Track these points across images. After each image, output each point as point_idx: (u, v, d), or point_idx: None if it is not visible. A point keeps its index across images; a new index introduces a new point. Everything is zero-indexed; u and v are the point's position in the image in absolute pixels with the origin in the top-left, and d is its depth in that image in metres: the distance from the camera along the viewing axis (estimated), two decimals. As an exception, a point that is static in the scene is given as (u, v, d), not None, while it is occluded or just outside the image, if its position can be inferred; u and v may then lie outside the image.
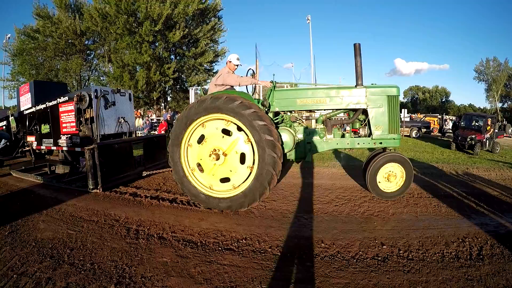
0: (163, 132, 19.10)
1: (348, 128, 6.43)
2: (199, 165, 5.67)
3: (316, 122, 6.30)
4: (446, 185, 7.68)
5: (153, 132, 21.34)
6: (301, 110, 6.22)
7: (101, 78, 30.17)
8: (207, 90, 6.43)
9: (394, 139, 6.03)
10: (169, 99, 33.35)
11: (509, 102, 59.06)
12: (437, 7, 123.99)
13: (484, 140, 15.35)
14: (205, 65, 30.61)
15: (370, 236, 4.54)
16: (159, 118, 25.65)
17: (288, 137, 5.90)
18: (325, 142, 6.08)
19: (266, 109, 5.93)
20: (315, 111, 6.31)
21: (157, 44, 26.33)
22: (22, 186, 7.28)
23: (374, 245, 4.24)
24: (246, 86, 6.32)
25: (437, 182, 8.07)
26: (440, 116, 33.42)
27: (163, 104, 32.33)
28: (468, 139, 15.18)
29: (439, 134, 27.33)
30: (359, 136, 6.18)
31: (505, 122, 36.83)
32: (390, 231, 4.79)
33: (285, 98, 6.07)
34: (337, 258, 3.85)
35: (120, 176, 7.24)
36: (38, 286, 3.06)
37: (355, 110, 6.10)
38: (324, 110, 6.25)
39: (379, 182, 6.07)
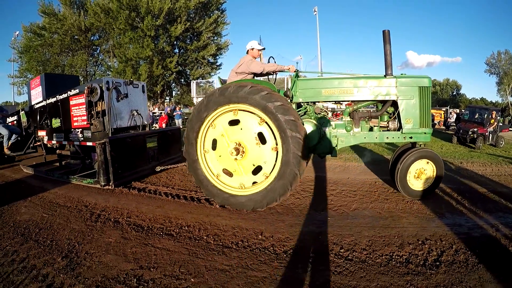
0: (164, 125, 18.82)
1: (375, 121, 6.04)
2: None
3: (343, 114, 5.92)
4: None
5: (154, 125, 21.08)
6: (327, 101, 5.84)
7: (107, 73, 30.35)
8: (225, 80, 6.08)
9: (425, 133, 5.64)
10: (174, 93, 33.35)
11: (521, 96, 57.87)
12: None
13: (486, 133, 14.84)
14: (208, 58, 30.70)
15: (316, 231, 4.41)
16: (162, 111, 25.51)
17: (313, 130, 5.56)
18: (352, 136, 5.71)
19: (289, 100, 5.57)
20: (341, 102, 5.91)
21: (159, 38, 26.29)
22: (16, 177, 7.89)
23: (316, 241, 4.12)
24: (268, 77, 5.98)
25: None
26: (445, 109, 32.74)
27: (167, 98, 32.33)
28: (470, 132, 14.70)
29: (444, 127, 26.75)
30: (388, 130, 5.80)
31: (515, 116, 36.29)
32: (341, 228, 4.56)
33: (310, 88, 5.71)
34: (268, 251, 3.84)
35: (133, 172, 6.97)
36: (5, 256, 3.71)
37: (384, 102, 5.73)
38: (352, 101, 5.85)
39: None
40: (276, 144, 4.95)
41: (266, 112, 4.82)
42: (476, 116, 16.59)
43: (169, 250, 3.84)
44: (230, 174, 5.36)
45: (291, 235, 4.28)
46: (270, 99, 4.78)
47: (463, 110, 18.52)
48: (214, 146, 5.38)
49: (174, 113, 22.40)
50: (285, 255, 3.73)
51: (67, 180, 7.06)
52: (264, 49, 5.87)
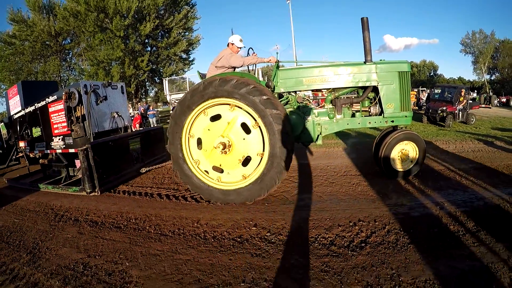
0: (137, 125, 18.60)
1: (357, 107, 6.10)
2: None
3: (324, 102, 5.95)
4: None
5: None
6: (308, 90, 5.85)
7: (80, 77, 29.85)
8: (205, 74, 6.01)
9: (406, 116, 5.76)
10: (151, 93, 33.03)
11: (497, 74, 59.09)
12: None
13: (456, 111, 14.99)
14: (180, 54, 30.48)
15: (248, 217, 4.63)
16: (136, 111, 25.16)
17: (296, 119, 5.58)
18: (335, 123, 5.76)
19: (271, 90, 5.55)
20: (323, 90, 5.93)
21: (129, 38, 25.99)
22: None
23: (245, 225, 4.37)
24: (248, 67, 5.95)
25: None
26: (416, 90, 33.05)
27: (143, 98, 32.04)
28: (439, 111, 14.85)
29: (416, 107, 26.80)
30: (370, 115, 5.88)
31: (490, 94, 37.13)
32: (275, 212, 4.75)
33: (291, 78, 5.71)
34: (199, 237, 4.17)
35: (118, 176, 6.88)
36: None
37: (364, 88, 5.78)
38: (332, 89, 5.87)
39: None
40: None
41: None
42: (445, 95, 16.68)
43: (114, 240, 4.29)
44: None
45: (225, 221, 4.58)
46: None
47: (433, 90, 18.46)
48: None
49: (148, 112, 22.04)
50: (213, 240, 4.04)
51: (52, 190, 6.91)
52: (244, 47, 5.81)
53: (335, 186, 5.77)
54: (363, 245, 3.62)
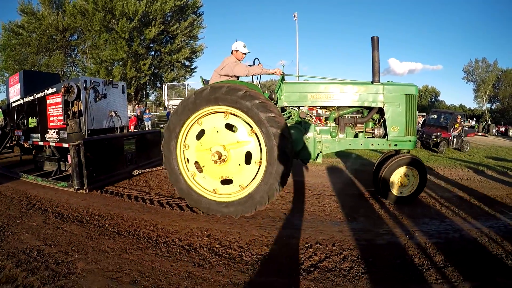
0: (132, 127, 18.51)
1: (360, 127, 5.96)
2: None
3: (327, 120, 5.80)
4: (365, 183, 7.15)
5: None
6: (312, 106, 5.72)
7: (82, 73, 29.94)
8: (208, 81, 5.87)
9: (410, 141, 5.62)
10: (151, 97, 33.08)
11: (497, 103, 59.39)
12: (433, 7, 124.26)
13: (450, 138, 14.81)
14: (183, 61, 30.62)
15: (204, 227, 4.62)
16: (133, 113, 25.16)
17: (297, 134, 5.43)
18: (337, 142, 5.61)
19: (274, 103, 5.40)
20: (327, 107, 5.79)
21: (133, 41, 26.12)
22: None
23: (198, 235, 4.37)
24: (252, 77, 5.82)
25: (359, 179, 7.58)
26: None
27: (143, 101, 32.11)
28: (433, 137, 14.64)
29: None
30: (373, 137, 5.73)
31: (489, 122, 37.19)
32: (233, 225, 4.72)
33: (295, 92, 5.57)
34: (151, 240, 4.21)
35: (109, 175, 6.70)
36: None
37: (370, 109, 5.65)
38: (337, 107, 5.74)
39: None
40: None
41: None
42: (441, 121, 16.52)
43: (73, 233, 4.43)
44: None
45: (181, 228, 4.59)
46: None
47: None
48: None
49: (144, 116, 22.04)
50: (162, 245, 4.07)
51: (41, 182, 6.79)
52: (249, 52, 5.68)
53: (304, 205, 5.67)
54: (312, 269, 3.44)
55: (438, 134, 14.68)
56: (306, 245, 4.00)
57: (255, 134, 4.80)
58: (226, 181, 5.08)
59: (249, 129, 4.85)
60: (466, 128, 16.42)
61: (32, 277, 3.24)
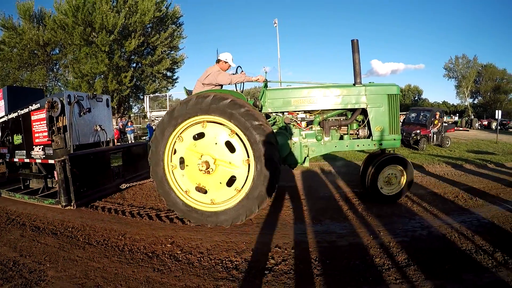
0: (115, 141, 18.33)
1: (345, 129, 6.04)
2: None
3: (312, 123, 5.87)
4: (337, 185, 7.21)
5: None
6: (296, 111, 5.78)
7: (66, 88, 29.56)
8: (191, 91, 5.87)
9: (394, 139, 5.73)
10: (134, 109, 32.95)
11: (479, 98, 60.56)
12: (413, 7, 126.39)
13: (430, 134, 15.05)
14: (165, 72, 30.53)
15: (169, 235, 4.72)
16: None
17: (283, 140, 5.47)
18: (323, 145, 5.67)
19: (258, 110, 5.44)
20: (311, 111, 5.85)
21: (114, 53, 25.96)
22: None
23: (163, 242, 4.47)
24: (236, 86, 5.85)
25: (331, 181, 7.62)
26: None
27: (126, 113, 31.88)
28: (413, 135, 14.88)
29: None
30: (358, 138, 5.81)
31: (472, 117, 37.85)
32: (197, 232, 4.81)
33: (279, 98, 5.63)
34: (118, 249, 4.34)
35: (96, 190, 6.63)
36: None
37: (353, 110, 5.74)
38: (321, 110, 5.81)
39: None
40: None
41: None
42: (420, 118, 16.74)
43: (47, 244, 4.59)
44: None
45: (147, 237, 4.70)
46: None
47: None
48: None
49: (127, 128, 21.87)
50: (128, 253, 4.21)
51: (28, 200, 6.72)
52: (234, 66, 5.69)
53: (272, 209, 5.71)
54: (266, 272, 3.49)
55: (418, 131, 14.90)
56: (265, 249, 4.05)
57: (248, 164, 4.84)
58: (200, 189, 5.11)
59: (245, 158, 4.88)
60: (446, 124, 16.61)
61: (7, 285, 3.47)
